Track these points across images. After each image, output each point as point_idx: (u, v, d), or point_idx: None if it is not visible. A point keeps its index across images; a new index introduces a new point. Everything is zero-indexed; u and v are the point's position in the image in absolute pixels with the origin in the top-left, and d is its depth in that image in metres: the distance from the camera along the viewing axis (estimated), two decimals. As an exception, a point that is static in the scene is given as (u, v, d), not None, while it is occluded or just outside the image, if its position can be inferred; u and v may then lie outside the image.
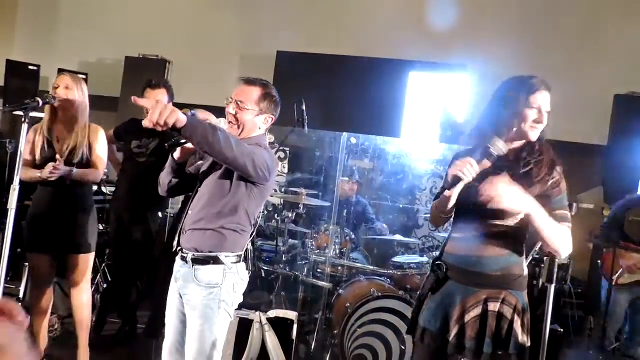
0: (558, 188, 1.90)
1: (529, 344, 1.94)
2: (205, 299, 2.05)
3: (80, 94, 2.87)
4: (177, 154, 2.13)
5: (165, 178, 2.20)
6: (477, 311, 1.92)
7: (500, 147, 1.81)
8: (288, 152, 5.25)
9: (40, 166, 2.79)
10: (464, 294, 1.95)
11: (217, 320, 2.06)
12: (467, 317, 1.92)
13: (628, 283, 3.65)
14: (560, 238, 1.85)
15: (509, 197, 1.80)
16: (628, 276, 3.65)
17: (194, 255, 2.06)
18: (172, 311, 2.19)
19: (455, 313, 1.95)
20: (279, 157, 5.13)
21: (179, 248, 2.14)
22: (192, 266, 2.06)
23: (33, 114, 2.51)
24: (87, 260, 2.98)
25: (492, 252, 1.93)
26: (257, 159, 1.96)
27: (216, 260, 2.05)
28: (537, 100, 1.90)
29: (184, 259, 2.10)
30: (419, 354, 2.12)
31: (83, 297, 3.02)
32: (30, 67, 5.62)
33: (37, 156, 2.83)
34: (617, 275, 3.64)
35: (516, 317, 1.90)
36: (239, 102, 2.08)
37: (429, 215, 4.85)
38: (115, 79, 5.79)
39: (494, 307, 1.90)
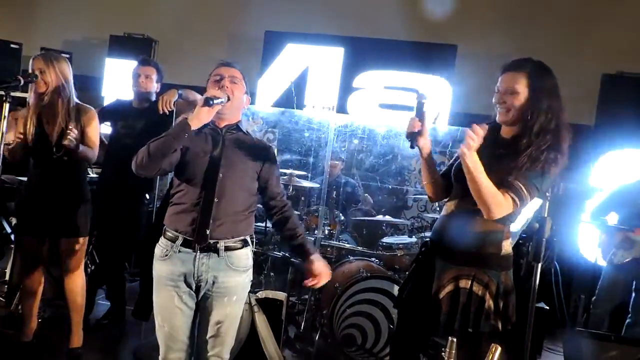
0: (539, 165, 1.86)
1: (507, 326, 1.94)
2: (242, 283, 2.12)
3: (54, 76, 2.80)
4: (196, 123, 1.96)
5: (164, 154, 1.97)
6: (450, 287, 1.95)
7: (424, 94, 2.04)
8: (277, 133, 5.21)
9: (35, 149, 2.80)
10: (440, 270, 1.99)
11: (244, 301, 2.20)
12: (442, 294, 1.96)
13: (626, 262, 3.68)
14: (488, 199, 1.84)
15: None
16: (622, 255, 3.68)
17: (226, 242, 2.04)
18: (179, 310, 2.06)
19: (433, 289, 2.00)
20: (267, 139, 5.10)
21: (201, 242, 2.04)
22: (224, 252, 2.04)
23: (15, 94, 2.47)
24: (80, 244, 2.96)
25: (467, 227, 1.95)
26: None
27: (245, 243, 2.11)
28: (499, 82, 1.98)
29: (210, 249, 2.02)
30: (402, 329, 2.18)
31: (77, 281, 3.00)
32: (12, 46, 5.48)
33: (29, 138, 2.80)
34: (611, 254, 3.68)
35: (488, 296, 1.91)
36: (232, 77, 2.12)
37: (418, 196, 4.93)
38: (99, 58, 5.69)
39: (465, 284, 1.93)
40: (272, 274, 3.84)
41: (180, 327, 2.07)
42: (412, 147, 2.06)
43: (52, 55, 2.89)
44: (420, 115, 2.05)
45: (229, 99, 2.04)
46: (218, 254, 2.03)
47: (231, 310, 2.10)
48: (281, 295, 3.12)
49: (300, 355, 3.46)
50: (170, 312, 2.06)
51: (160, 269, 2.08)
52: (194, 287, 2.06)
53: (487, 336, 1.89)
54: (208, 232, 2.01)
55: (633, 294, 3.71)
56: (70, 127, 2.72)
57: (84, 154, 2.84)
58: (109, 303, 3.68)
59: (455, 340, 1.55)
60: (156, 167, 2.00)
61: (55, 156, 2.80)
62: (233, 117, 2.14)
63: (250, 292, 3.04)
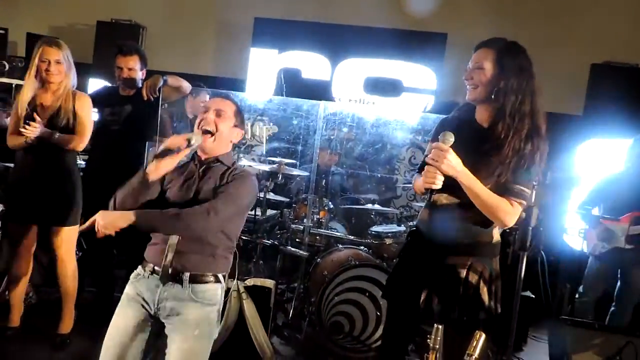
0: (525, 160, 1.83)
1: (498, 311, 1.97)
2: (205, 317, 1.99)
3: (67, 63, 2.84)
4: (154, 175, 1.93)
5: (129, 203, 1.96)
6: (444, 277, 1.95)
7: (450, 139, 1.80)
8: (266, 121, 5.18)
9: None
10: (433, 261, 1.98)
11: (213, 338, 2.04)
12: (436, 284, 1.96)
13: (605, 252, 3.73)
14: (497, 213, 1.83)
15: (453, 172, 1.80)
16: (603, 245, 3.72)
17: (192, 273, 1.96)
18: (133, 333, 1.96)
19: (424, 279, 1.98)
20: (258, 126, 5.07)
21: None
22: (189, 285, 1.96)
23: (0, 79, 2.45)
24: (72, 232, 2.96)
25: (459, 219, 1.94)
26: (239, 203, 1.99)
27: (216, 279, 2.02)
28: (471, 59, 1.92)
29: (174, 278, 1.96)
30: (392, 318, 2.18)
31: (68, 268, 3.00)
32: (-3, 31, 5.40)
33: (21, 123, 2.79)
34: (593, 245, 3.73)
35: (482, 284, 1.93)
36: (218, 110, 2.03)
37: (407, 185, 4.94)
38: (86, 45, 5.61)
39: (460, 273, 1.93)
40: (261, 261, 3.84)
41: (130, 352, 1.95)
42: (430, 200, 1.91)
43: (62, 43, 2.87)
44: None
45: (209, 132, 1.99)
46: (182, 285, 1.96)
47: (192, 346, 1.95)
48: (270, 283, 3.12)
49: (288, 343, 3.47)
50: (124, 332, 1.96)
51: (128, 289, 2.05)
52: (152, 313, 1.98)
53: (481, 322, 1.91)
54: (171, 263, 1.95)
55: (618, 283, 3.77)
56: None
57: (63, 143, 2.82)
58: (96, 290, 3.66)
59: (440, 327, 1.57)
60: (129, 208, 1.97)
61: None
62: (218, 150, 2.06)
63: (239, 279, 3.06)
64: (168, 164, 1.94)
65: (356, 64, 5.54)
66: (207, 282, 1.99)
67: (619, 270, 3.75)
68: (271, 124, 4.31)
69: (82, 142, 2.89)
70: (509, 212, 1.84)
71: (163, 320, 1.99)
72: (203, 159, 2.06)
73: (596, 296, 3.84)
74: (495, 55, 1.87)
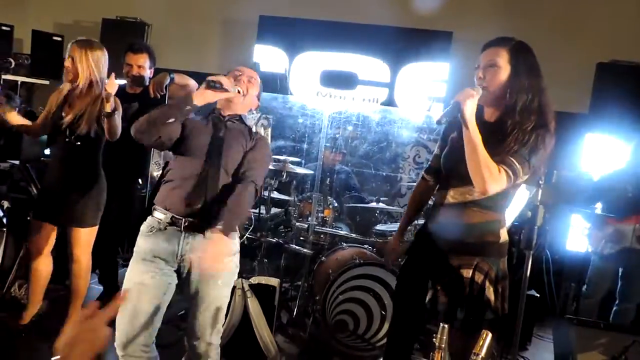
0: (524, 144, 1.82)
1: (505, 311, 1.97)
2: (227, 266, 2.09)
3: (85, 66, 2.78)
4: (199, 100, 2.01)
5: (162, 121, 1.98)
6: (450, 277, 1.95)
7: (480, 91, 1.84)
8: (271, 119, 5.18)
9: (52, 133, 2.89)
10: (439, 261, 1.98)
11: (232, 285, 2.18)
12: (441, 283, 1.96)
13: (613, 252, 3.71)
14: (484, 172, 1.77)
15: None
16: (611, 246, 3.70)
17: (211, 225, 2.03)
18: (148, 289, 2.01)
19: (430, 279, 1.99)
20: (262, 125, 5.07)
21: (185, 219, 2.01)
22: (210, 234, 2.03)
23: (7, 76, 2.46)
24: (91, 233, 2.98)
25: (465, 219, 1.94)
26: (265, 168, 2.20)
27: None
28: (480, 58, 1.92)
29: (196, 229, 2.02)
30: (398, 317, 2.17)
31: (83, 269, 3.02)
32: (4, 28, 5.40)
33: (49, 122, 2.86)
34: (601, 245, 3.71)
35: (488, 284, 1.92)
36: (249, 77, 2.24)
37: (412, 184, 4.94)
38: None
39: (466, 273, 1.93)
40: (265, 260, 3.84)
41: (145, 307, 1.99)
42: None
43: (88, 44, 2.83)
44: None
45: (239, 92, 2.13)
46: (204, 235, 2.02)
47: (217, 294, 2.09)
48: (274, 281, 3.13)
49: (292, 341, 3.48)
50: (139, 290, 1.99)
51: (142, 244, 2.06)
52: (175, 268, 2.05)
53: (487, 323, 1.91)
54: (200, 205, 2.00)
55: (620, 282, 3.75)
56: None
57: (115, 124, 2.78)
58: (101, 287, 3.68)
59: (446, 326, 1.57)
60: (153, 135, 1.98)
61: (68, 140, 2.83)
62: (240, 110, 2.23)
63: (243, 277, 3.06)
64: (211, 96, 2.04)
65: (357, 61, 5.51)
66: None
67: (623, 269, 3.74)
68: (263, 117, 4.29)
69: (119, 131, 2.84)
70: (493, 175, 1.77)
71: (183, 272, 2.06)
72: (226, 114, 2.20)
73: (601, 296, 3.82)
74: (508, 54, 1.88)
